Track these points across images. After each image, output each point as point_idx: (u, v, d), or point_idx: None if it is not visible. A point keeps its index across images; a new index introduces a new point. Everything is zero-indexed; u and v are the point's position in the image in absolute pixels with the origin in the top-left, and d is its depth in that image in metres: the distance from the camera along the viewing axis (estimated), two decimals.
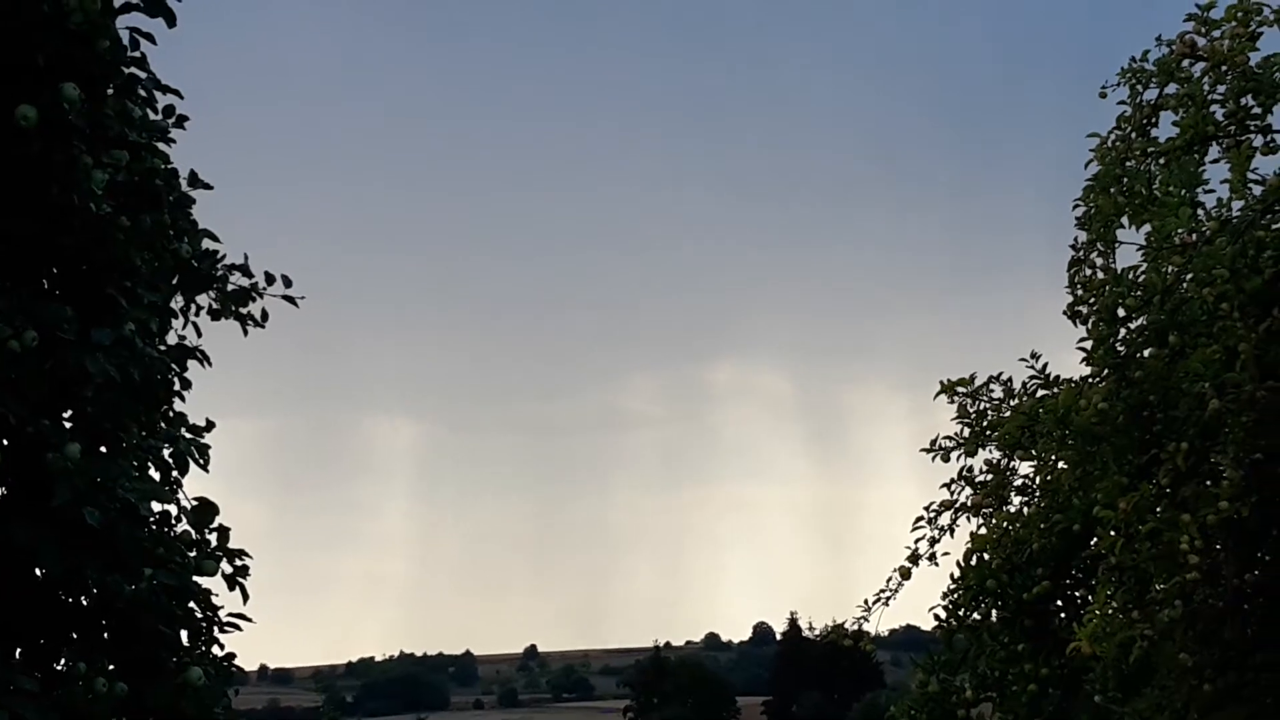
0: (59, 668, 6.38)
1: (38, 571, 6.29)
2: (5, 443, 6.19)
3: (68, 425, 6.43)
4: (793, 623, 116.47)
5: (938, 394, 9.87)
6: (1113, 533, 8.06)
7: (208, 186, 7.11)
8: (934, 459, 9.80)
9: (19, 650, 6.32)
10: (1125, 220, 8.59)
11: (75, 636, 6.41)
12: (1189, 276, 8.24)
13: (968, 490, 9.73)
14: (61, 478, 6.03)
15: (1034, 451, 9.33)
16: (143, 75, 6.72)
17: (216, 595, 6.80)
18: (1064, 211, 9.07)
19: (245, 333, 7.47)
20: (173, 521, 6.74)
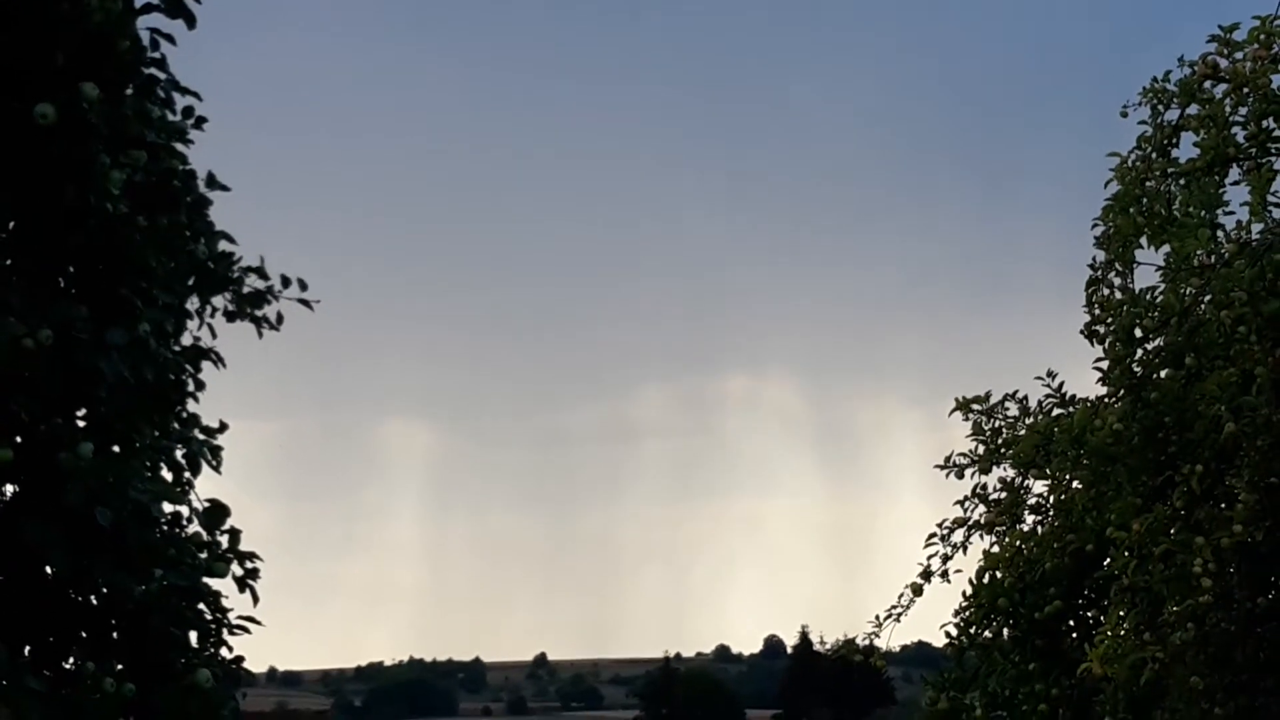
0: (67, 667, 6.37)
1: (47, 570, 6.29)
2: (18, 440, 6.19)
3: (81, 425, 6.43)
4: (804, 637, 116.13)
5: (953, 411, 9.85)
6: (1126, 554, 8.04)
7: (225, 188, 7.09)
8: (947, 476, 9.78)
9: (27, 649, 6.31)
10: (1144, 241, 8.57)
11: (84, 636, 6.41)
12: (1207, 298, 8.22)
13: (981, 508, 9.71)
14: (73, 477, 6.03)
15: (1048, 470, 9.31)
16: (162, 76, 6.71)
17: (227, 597, 6.79)
18: (1081, 229, 9.05)
19: (260, 335, 7.46)
20: (184, 523, 6.73)
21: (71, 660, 6.38)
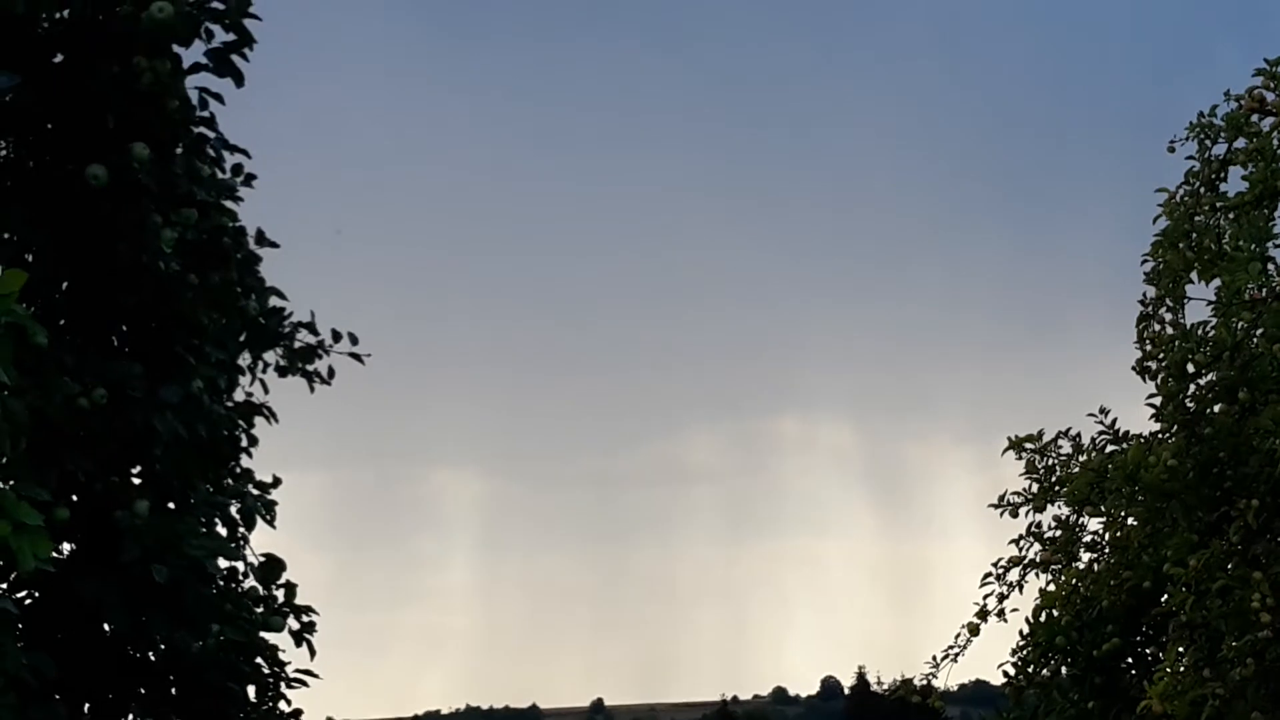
0: None
1: (105, 627, 6.33)
2: (75, 499, 6.23)
3: (136, 482, 6.48)
4: (861, 677, 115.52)
5: (1005, 450, 9.80)
6: (1183, 590, 7.98)
7: (274, 245, 7.16)
8: (1002, 514, 9.73)
9: (86, 705, 6.35)
10: (1194, 275, 8.52)
11: (142, 693, 6.44)
12: (1259, 332, 8.17)
13: (1036, 546, 9.65)
14: (129, 535, 6.07)
15: (1103, 508, 9.25)
16: (211, 135, 6.78)
17: (284, 651, 6.81)
18: (1130, 264, 9.00)
19: (312, 389, 7.52)
20: (240, 578, 6.77)
21: (130, 717, 6.41)
